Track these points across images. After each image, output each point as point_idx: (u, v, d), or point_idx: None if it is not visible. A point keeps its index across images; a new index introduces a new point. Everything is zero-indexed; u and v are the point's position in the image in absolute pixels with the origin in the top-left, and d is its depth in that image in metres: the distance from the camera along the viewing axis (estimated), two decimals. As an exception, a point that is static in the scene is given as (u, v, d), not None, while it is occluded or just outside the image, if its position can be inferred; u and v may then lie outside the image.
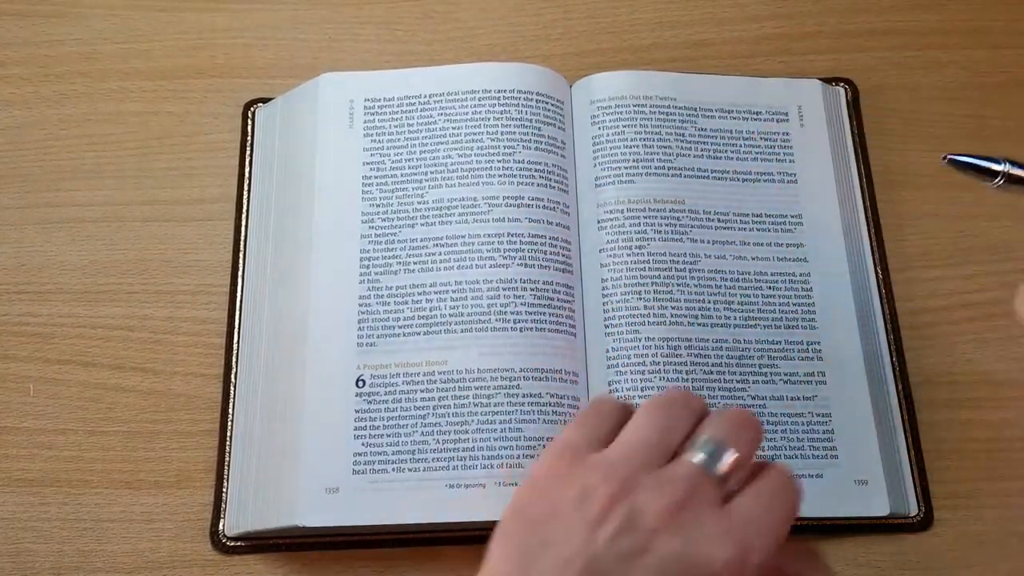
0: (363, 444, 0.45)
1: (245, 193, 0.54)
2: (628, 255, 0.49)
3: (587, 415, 0.39)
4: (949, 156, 0.45)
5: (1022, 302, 0.43)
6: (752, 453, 0.36)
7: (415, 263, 0.49)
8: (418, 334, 0.47)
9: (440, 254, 0.49)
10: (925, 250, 0.53)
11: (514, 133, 0.51)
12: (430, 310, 0.48)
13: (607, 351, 0.48)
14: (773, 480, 0.36)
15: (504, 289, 0.48)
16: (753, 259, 0.50)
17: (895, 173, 0.55)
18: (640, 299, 0.48)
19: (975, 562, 0.47)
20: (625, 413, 0.38)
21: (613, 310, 0.49)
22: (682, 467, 0.35)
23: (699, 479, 0.35)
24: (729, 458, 0.35)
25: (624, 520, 0.33)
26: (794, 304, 0.49)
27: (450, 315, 0.47)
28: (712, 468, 0.35)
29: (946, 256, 0.53)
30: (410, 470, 0.45)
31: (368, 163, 0.51)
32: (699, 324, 0.48)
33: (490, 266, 0.48)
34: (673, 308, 0.48)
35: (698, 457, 0.36)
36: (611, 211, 0.50)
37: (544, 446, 0.45)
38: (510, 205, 0.49)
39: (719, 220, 0.51)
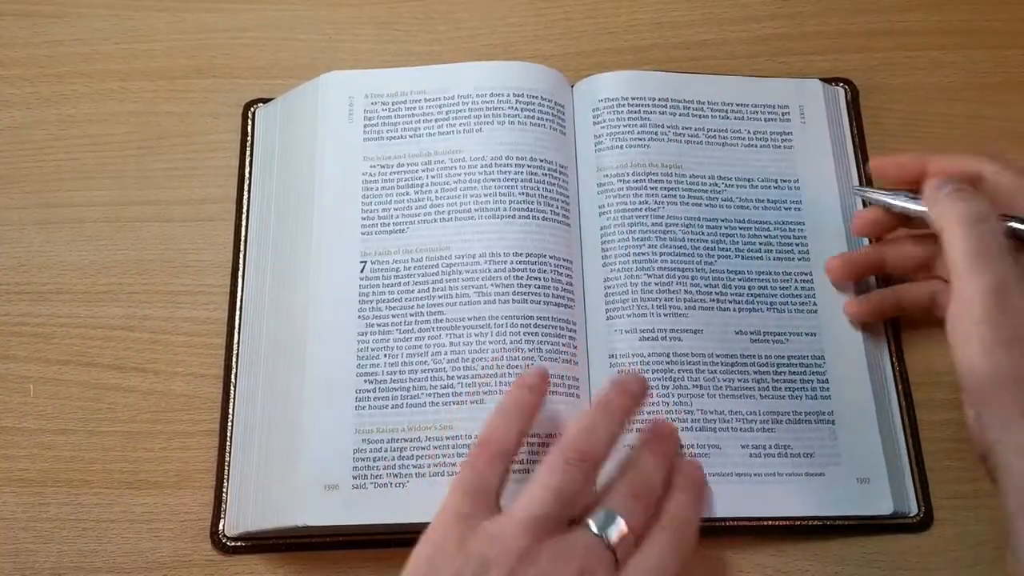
0: (364, 442, 0.45)
1: (245, 193, 0.54)
2: (628, 257, 0.49)
3: (466, 472, 0.40)
4: (855, 189, 0.48)
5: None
6: (640, 524, 0.39)
7: (416, 264, 0.49)
8: (419, 334, 0.47)
9: (442, 254, 0.49)
10: (925, 250, 0.53)
11: (516, 132, 0.51)
12: (431, 310, 0.48)
13: (609, 354, 0.48)
14: (666, 534, 0.39)
15: (505, 264, 0.48)
16: (756, 259, 0.50)
17: (895, 173, 0.55)
18: (640, 304, 0.49)
19: (975, 562, 0.47)
20: (506, 462, 0.40)
21: (613, 285, 0.49)
22: (578, 538, 0.37)
23: (594, 549, 0.37)
24: (618, 530, 0.38)
25: None
26: (797, 304, 0.50)
27: (451, 314, 0.47)
28: (607, 536, 0.37)
29: (946, 256, 0.53)
30: (412, 467, 0.45)
31: (369, 161, 0.51)
32: (701, 335, 0.48)
33: (490, 265, 0.48)
34: (674, 312, 0.48)
35: (594, 526, 0.38)
36: (613, 215, 0.50)
37: (548, 442, 0.45)
38: (512, 204, 0.49)
39: (723, 224, 0.51)
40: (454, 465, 0.45)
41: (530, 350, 0.46)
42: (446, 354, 0.47)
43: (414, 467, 0.45)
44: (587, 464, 0.39)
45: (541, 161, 0.50)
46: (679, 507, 0.41)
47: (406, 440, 0.45)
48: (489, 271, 0.48)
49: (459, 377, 0.46)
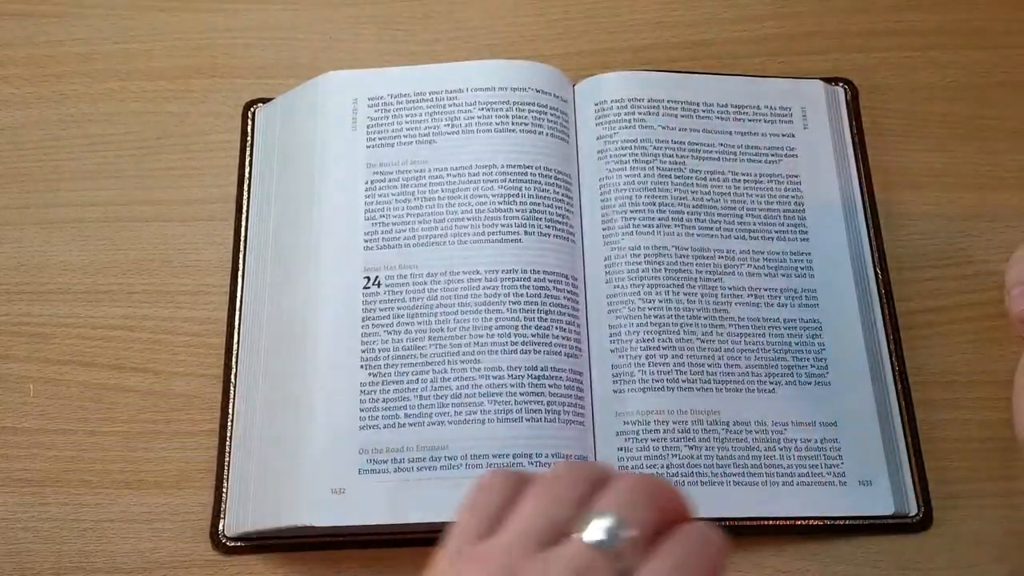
0: (365, 443, 0.45)
1: (245, 193, 0.54)
2: (631, 258, 0.50)
3: (474, 495, 0.34)
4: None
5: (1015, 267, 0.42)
6: (647, 523, 0.31)
7: (417, 263, 0.49)
8: (421, 333, 0.47)
9: (444, 263, 0.49)
10: (925, 250, 0.53)
11: (518, 132, 0.51)
12: (433, 308, 0.48)
13: (612, 366, 0.48)
14: (682, 545, 0.31)
15: (505, 277, 0.48)
16: (757, 268, 0.50)
17: (895, 173, 0.55)
18: (641, 300, 0.49)
19: (975, 562, 0.47)
20: (517, 486, 0.33)
21: (616, 290, 0.49)
22: (568, 548, 0.31)
23: (587, 560, 0.30)
24: (623, 535, 0.31)
25: None
26: (798, 304, 0.50)
27: (450, 310, 0.47)
28: (606, 544, 0.31)
29: (946, 256, 0.53)
30: (416, 469, 0.45)
31: (370, 162, 0.51)
32: (701, 338, 0.48)
33: (493, 264, 0.48)
34: (676, 312, 0.49)
35: (589, 535, 0.31)
36: (615, 216, 0.50)
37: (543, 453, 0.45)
38: (513, 217, 0.49)
39: (725, 225, 0.51)
40: (459, 466, 0.45)
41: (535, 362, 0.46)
42: (449, 363, 0.47)
43: (415, 468, 0.45)
44: (580, 480, 0.33)
45: (542, 168, 0.50)
46: (695, 530, 0.32)
47: (407, 446, 0.45)
48: (491, 280, 0.48)
49: (461, 382, 0.46)
